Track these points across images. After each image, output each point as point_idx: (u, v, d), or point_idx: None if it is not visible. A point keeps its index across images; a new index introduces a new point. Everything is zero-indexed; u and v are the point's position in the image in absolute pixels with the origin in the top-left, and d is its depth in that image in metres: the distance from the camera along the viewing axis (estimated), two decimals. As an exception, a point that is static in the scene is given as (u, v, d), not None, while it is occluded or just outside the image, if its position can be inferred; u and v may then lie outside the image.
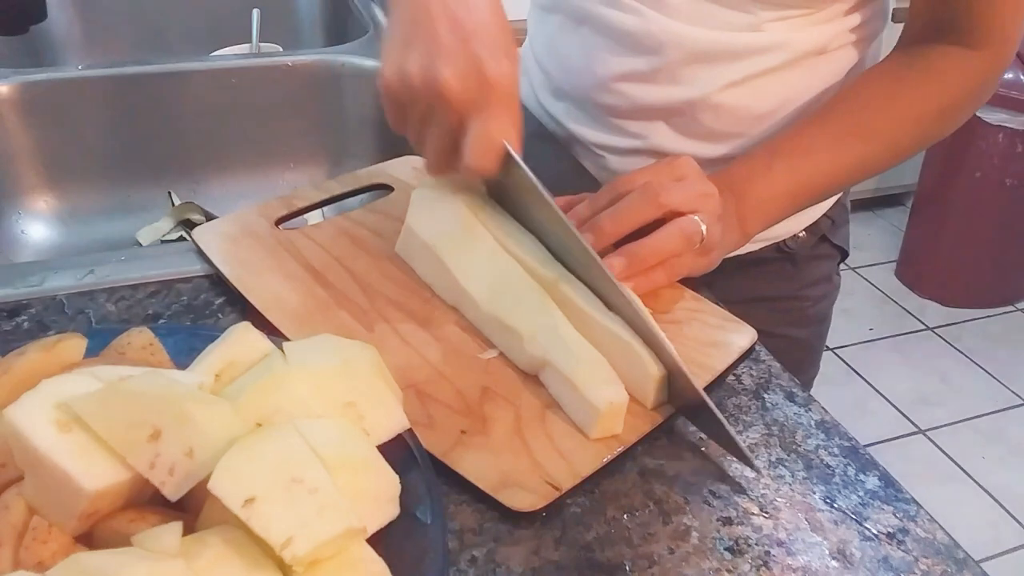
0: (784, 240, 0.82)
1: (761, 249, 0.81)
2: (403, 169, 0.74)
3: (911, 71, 0.69)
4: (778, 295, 0.84)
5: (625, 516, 0.46)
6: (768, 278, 0.82)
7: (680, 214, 0.58)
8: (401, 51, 0.51)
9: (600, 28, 0.73)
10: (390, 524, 0.38)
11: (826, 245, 0.86)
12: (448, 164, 0.54)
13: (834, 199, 0.84)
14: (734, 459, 0.50)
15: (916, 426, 2.09)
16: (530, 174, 0.53)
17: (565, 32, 0.78)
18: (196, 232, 0.65)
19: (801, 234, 0.82)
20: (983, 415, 2.13)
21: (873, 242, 2.74)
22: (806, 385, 0.92)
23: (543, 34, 0.82)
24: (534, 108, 0.86)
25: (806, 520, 0.47)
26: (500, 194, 0.60)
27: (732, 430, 0.48)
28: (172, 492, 0.35)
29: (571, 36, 0.77)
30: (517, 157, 0.52)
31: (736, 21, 0.69)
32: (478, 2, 0.52)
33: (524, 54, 0.88)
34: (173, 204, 0.96)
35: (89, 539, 0.35)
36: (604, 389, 0.49)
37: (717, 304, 0.61)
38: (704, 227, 0.58)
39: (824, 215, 0.83)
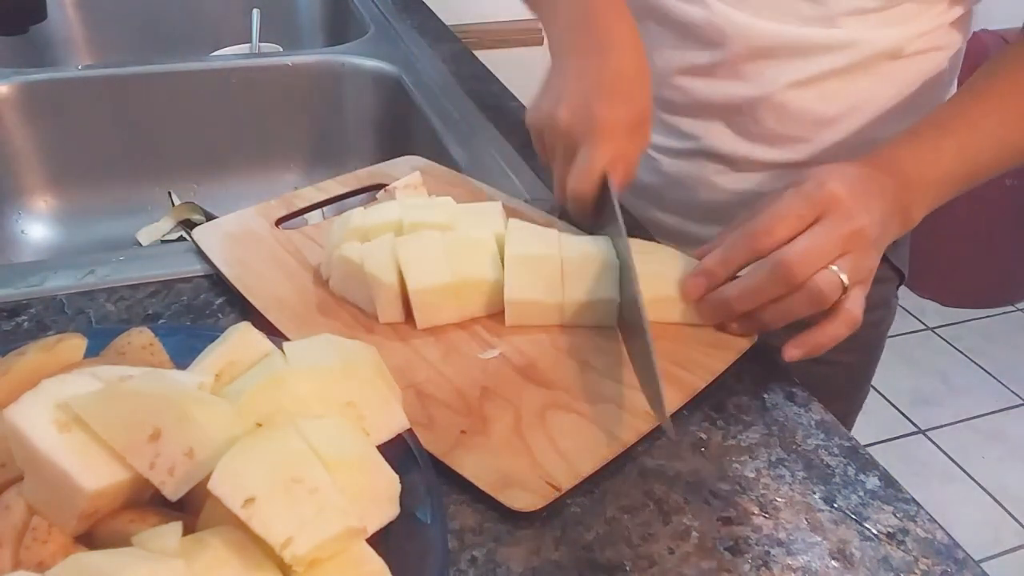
0: None
1: None
2: (403, 169, 0.74)
3: None
4: None
5: (625, 516, 0.46)
6: None
7: None
8: (541, 95, 0.62)
9: (664, 20, 0.72)
10: (390, 524, 0.38)
11: (884, 266, 0.78)
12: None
13: None
14: (734, 459, 0.50)
15: (916, 426, 2.09)
16: (615, 202, 0.58)
17: None
18: (196, 232, 0.65)
19: None
20: (983, 415, 2.13)
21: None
22: (851, 411, 0.87)
23: None
24: None
25: (806, 520, 0.47)
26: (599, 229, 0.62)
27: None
28: (172, 492, 0.35)
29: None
30: (611, 184, 0.58)
31: (808, 13, 0.66)
32: (610, 57, 0.60)
33: None
34: (173, 204, 0.96)
35: (89, 539, 0.35)
36: None
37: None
38: (844, 275, 0.52)
39: None
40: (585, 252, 0.57)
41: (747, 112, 0.70)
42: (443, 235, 0.57)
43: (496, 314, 0.57)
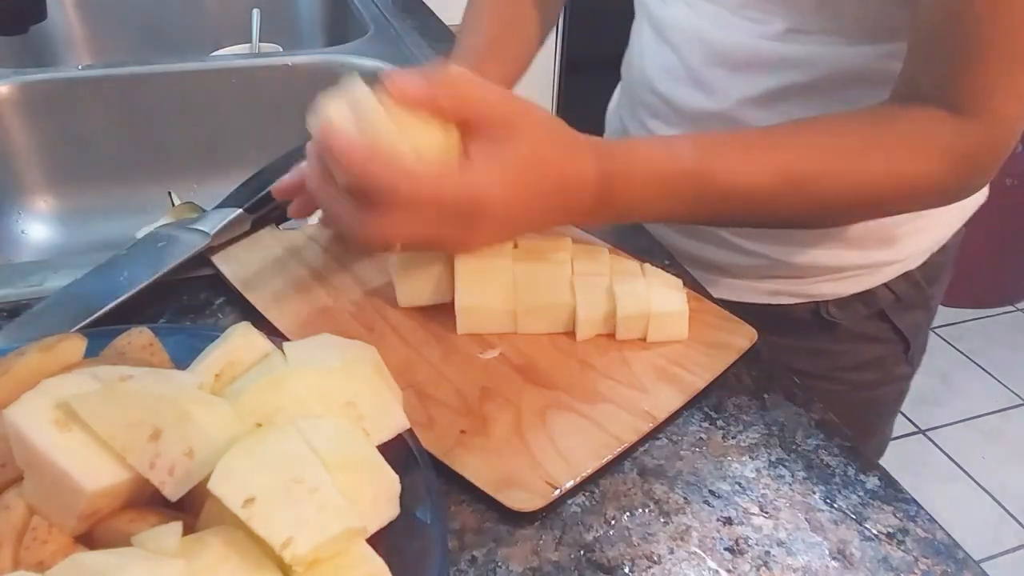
0: (826, 303, 0.71)
1: (793, 305, 0.71)
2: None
3: (878, 127, 0.56)
4: (806, 370, 0.68)
5: (625, 516, 0.46)
6: (796, 345, 0.67)
7: None
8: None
9: (650, 19, 0.73)
10: (390, 524, 0.38)
11: (884, 326, 0.72)
12: None
13: (902, 268, 0.71)
14: (734, 459, 0.50)
15: (916, 426, 2.09)
16: None
17: (635, 25, 0.78)
18: (196, 232, 0.65)
19: (846, 299, 0.70)
20: (983, 415, 2.13)
21: (873, 242, 2.75)
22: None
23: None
24: (611, 113, 0.86)
25: (806, 520, 0.47)
26: None
27: None
28: (172, 492, 0.35)
29: (636, 28, 0.77)
30: None
31: (755, 30, 0.64)
32: None
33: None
34: (173, 204, 0.96)
35: (89, 539, 0.35)
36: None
37: (717, 304, 0.61)
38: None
39: (885, 285, 0.71)
40: (538, 258, 0.57)
41: (709, 125, 0.69)
42: None
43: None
